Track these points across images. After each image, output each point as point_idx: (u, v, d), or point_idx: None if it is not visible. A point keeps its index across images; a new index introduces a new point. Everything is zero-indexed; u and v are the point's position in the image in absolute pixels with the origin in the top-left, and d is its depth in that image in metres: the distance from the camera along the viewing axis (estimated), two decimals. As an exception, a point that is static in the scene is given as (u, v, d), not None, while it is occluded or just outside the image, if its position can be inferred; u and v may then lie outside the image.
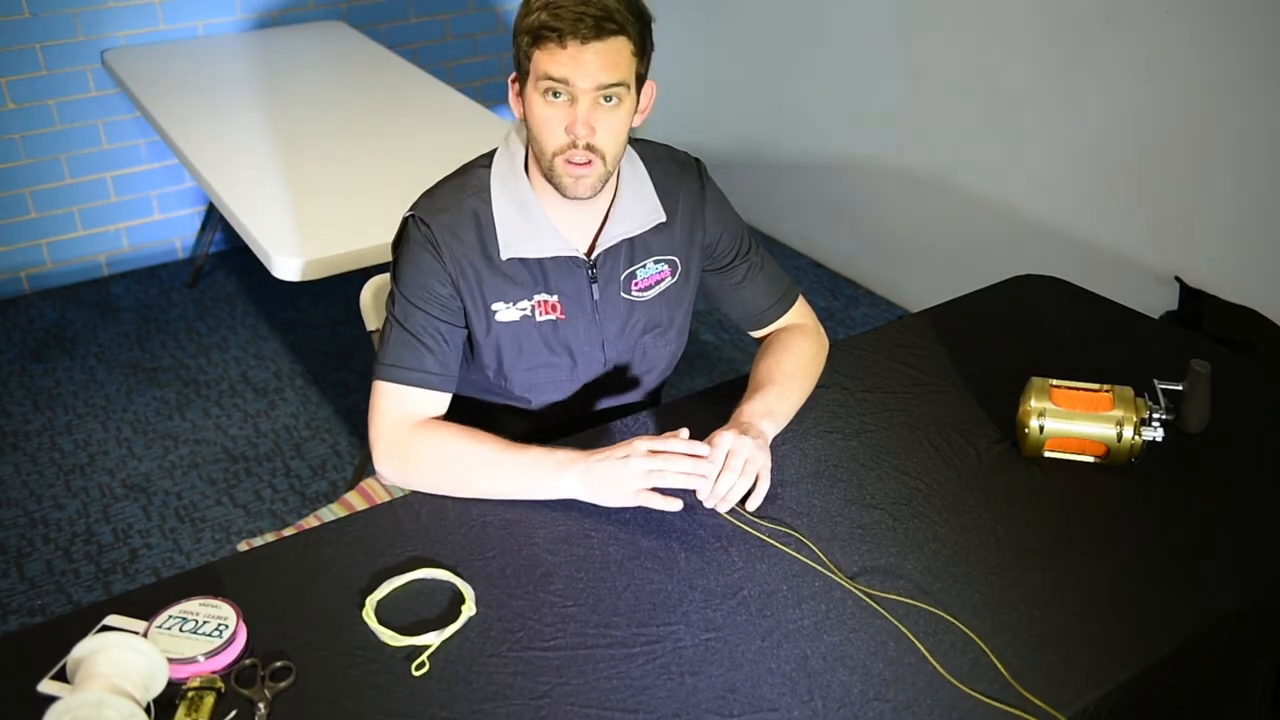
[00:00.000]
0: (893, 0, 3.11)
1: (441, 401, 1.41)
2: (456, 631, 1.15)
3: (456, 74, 3.98)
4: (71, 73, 3.31)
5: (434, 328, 1.39)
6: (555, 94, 1.27)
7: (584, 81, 1.25)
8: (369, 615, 1.16)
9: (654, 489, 1.29)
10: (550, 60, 1.25)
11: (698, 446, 1.29)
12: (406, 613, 1.18)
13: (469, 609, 1.18)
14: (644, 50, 1.30)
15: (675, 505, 1.29)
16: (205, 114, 2.84)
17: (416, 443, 1.36)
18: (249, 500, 2.57)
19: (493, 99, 4.05)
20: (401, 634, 1.14)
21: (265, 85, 3.09)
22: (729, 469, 1.30)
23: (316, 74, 3.21)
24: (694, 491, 1.33)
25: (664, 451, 1.28)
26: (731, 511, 1.33)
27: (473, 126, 2.78)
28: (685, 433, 1.31)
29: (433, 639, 1.14)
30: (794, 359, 1.52)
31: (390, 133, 2.76)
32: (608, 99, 1.27)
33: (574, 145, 1.28)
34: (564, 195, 1.33)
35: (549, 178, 1.33)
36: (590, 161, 1.30)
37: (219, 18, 3.51)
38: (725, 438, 1.32)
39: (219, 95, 3.00)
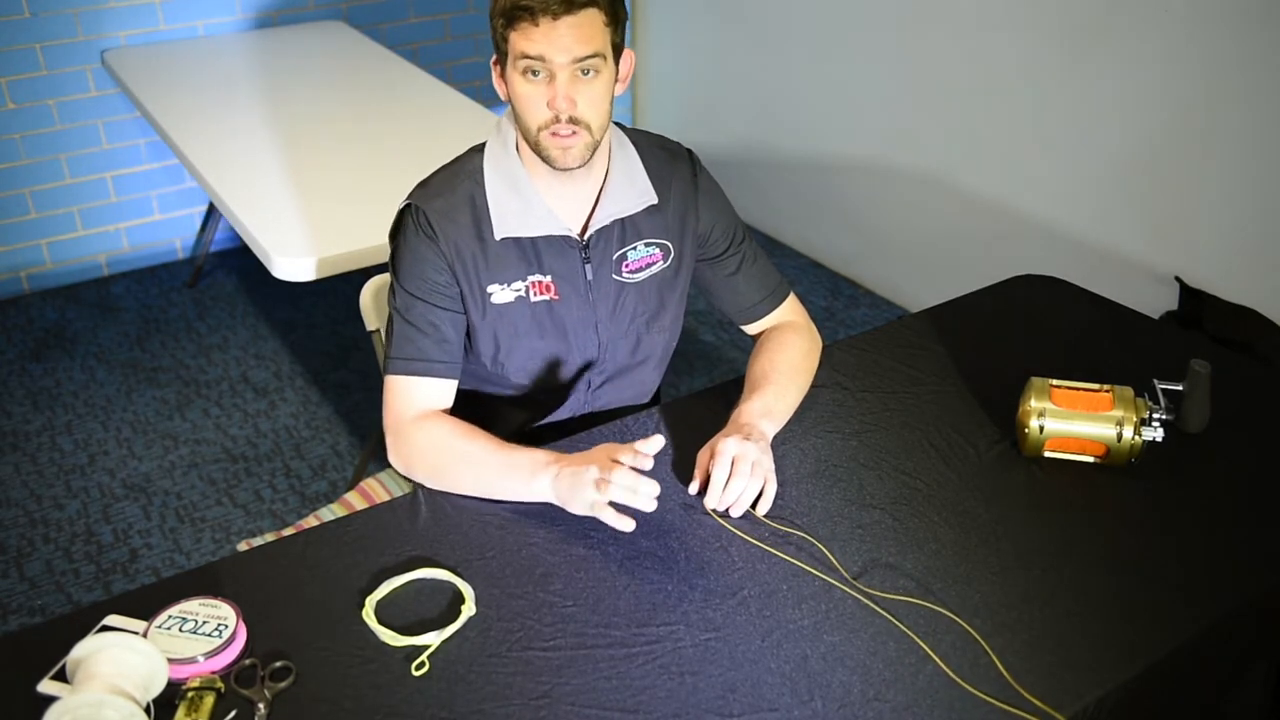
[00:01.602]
0: (893, 0, 3.11)
1: (447, 388, 1.42)
2: (456, 631, 1.15)
3: (456, 74, 3.98)
4: (71, 73, 3.31)
5: (433, 315, 1.40)
6: (534, 71, 1.28)
7: (559, 56, 1.26)
8: (369, 615, 1.16)
9: (612, 504, 1.24)
10: (525, 39, 1.26)
11: (644, 461, 1.23)
12: (406, 613, 1.18)
13: (469, 609, 1.18)
14: (617, 20, 1.31)
15: (628, 525, 1.24)
16: (205, 114, 2.84)
17: (416, 437, 1.37)
18: (249, 500, 2.57)
19: (493, 99, 4.05)
20: (402, 634, 1.14)
21: (265, 85, 3.09)
22: (738, 473, 1.31)
23: (316, 74, 3.21)
24: (700, 498, 1.33)
25: (618, 463, 1.24)
26: (745, 515, 1.33)
27: (473, 126, 2.78)
28: (657, 441, 1.24)
29: (432, 639, 1.14)
30: (788, 357, 1.52)
31: (390, 133, 2.76)
32: (585, 71, 1.29)
33: (557, 119, 1.30)
34: (554, 167, 1.34)
35: (537, 152, 1.34)
36: (574, 133, 1.31)
37: (219, 18, 3.51)
38: (729, 444, 1.33)
39: (219, 95, 3.00)
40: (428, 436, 1.37)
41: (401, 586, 1.21)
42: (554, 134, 1.31)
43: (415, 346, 1.39)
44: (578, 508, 1.28)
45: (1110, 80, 2.58)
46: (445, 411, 1.42)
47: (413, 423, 1.38)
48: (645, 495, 1.21)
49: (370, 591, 1.20)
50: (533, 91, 1.30)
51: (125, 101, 3.38)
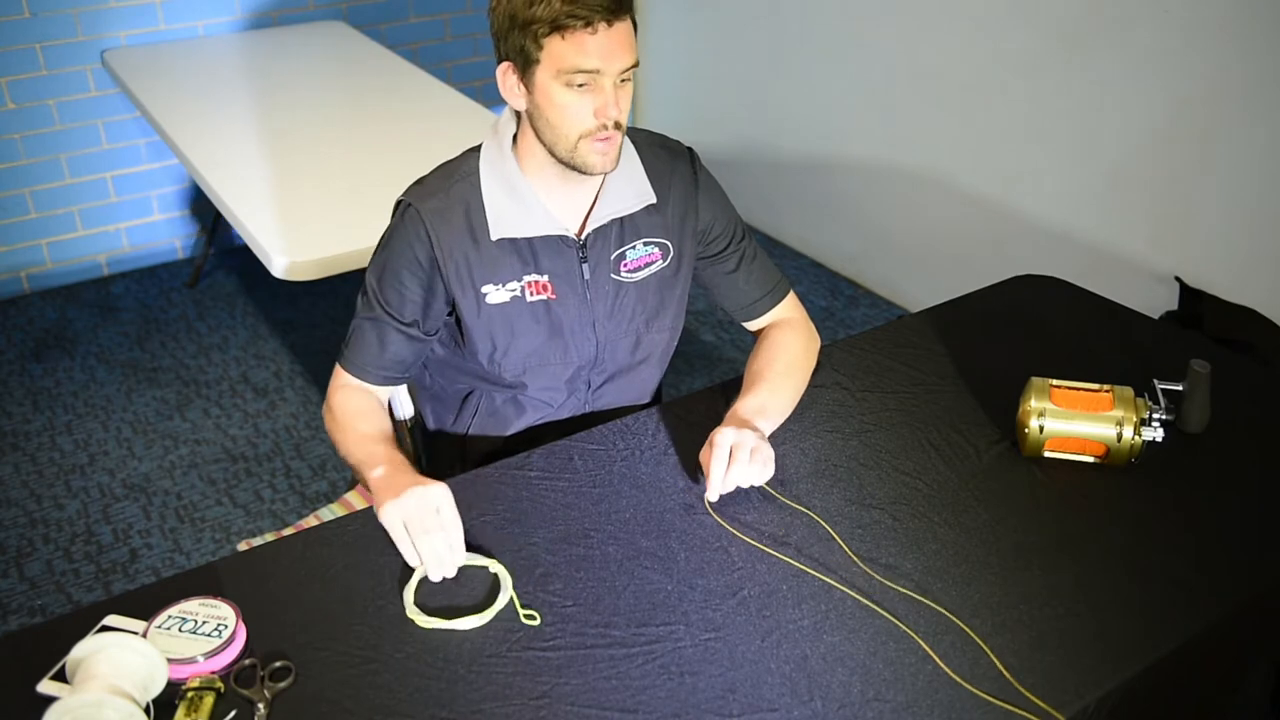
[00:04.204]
0: (892, 0, 3.11)
1: (384, 391, 1.49)
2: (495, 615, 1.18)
3: (456, 74, 3.98)
4: (71, 73, 3.31)
5: (390, 334, 1.43)
6: (580, 83, 1.28)
7: (613, 66, 1.27)
8: (409, 605, 1.18)
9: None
10: (578, 50, 1.25)
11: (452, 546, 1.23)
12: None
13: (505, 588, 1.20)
14: (636, 24, 1.33)
15: (435, 575, 1.22)
16: (205, 114, 2.84)
17: (334, 399, 1.45)
18: (249, 500, 2.57)
19: (493, 99, 4.05)
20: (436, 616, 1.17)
21: (265, 85, 3.09)
22: (737, 460, 1.30)
23: (316, 74, 3.21)
24: (704, 489, 1.33)
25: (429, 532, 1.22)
26: (751, 490, 1.32)
27: (473, 126, 2.77)
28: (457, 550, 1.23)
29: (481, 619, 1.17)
30: (785, 356, 1.52)
31: (390, 132, 2.76)
32: (624, 80, 1.30)
33: (604, 127, 1.30)
34: (589, 173, 1.35)
35: (570, 161, 1.34)
36: (613, 137, 1.32)
37: (219, 18, 3.51)
38: (726, 434, 1.32)
39: (219, 95, 3.00)
40: (339, 402, 1.44)
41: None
42: (597, 140, 1.31)
43: (367, 354, 1.45)
44: (390, 524, 1.23)
45: (1110, 80, 2.58)
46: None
47: (337, 393, 1.45)
48: (444, 570, 1.22)
49: (405, 582, 1.21)
50: (578, 101, 1.29)
51: (125, 101, 3.38)
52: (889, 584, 1.22)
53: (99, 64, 3.34)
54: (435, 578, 1.22)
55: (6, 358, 3.15)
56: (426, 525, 1.21)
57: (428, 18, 3.88)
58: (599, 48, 1.25)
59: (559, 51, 1.26)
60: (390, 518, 1.22)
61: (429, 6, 3.86)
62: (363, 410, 1.43)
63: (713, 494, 1.32)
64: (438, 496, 1.23)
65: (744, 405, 1.43)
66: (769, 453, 1.34)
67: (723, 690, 1.09)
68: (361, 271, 2.10)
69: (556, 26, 1.24)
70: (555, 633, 1.15)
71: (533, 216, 1.40)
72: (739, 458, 1.31)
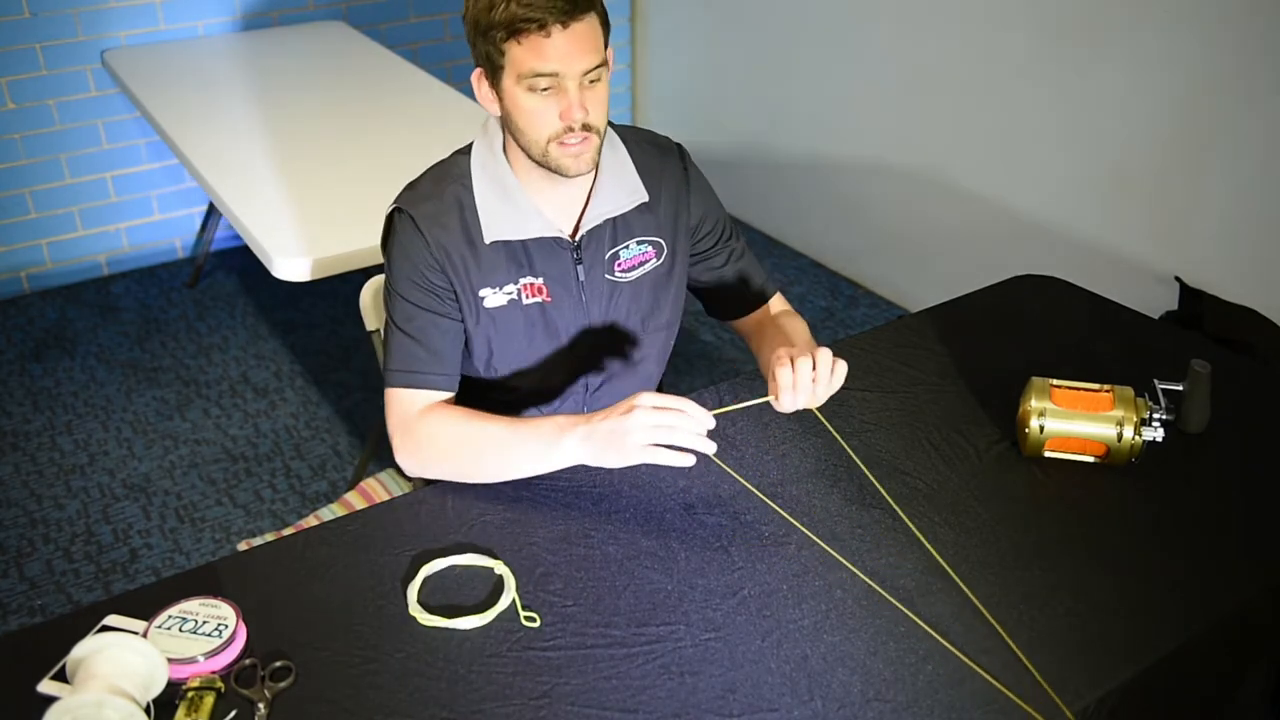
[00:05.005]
0: (892, 0, 3.11)
1: (447, 399, 1.42)
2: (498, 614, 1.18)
3: (456, 74, 3.98)
4: (71, 73, 3.32)
5: (431, 327, 1.39)
6: (543, 86, 1.27)
7: (572, 68, 1.25)
8: (413, 602, 1.18)
9: (662, 446, 1.23)
10: (535, 54, 1.24)
11: (702, 410, 1.24)
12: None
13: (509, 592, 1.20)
14: (607, 22, 1.31)
15: (688, 460, 1.23)
16: (205, 114, 2.84)
17: (424, 429, 1.36)
18: (249, 500, 2.57)
19: (493, 99, 4.05)
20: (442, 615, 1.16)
21: (265, 85, 3.09)
22: (800, 370, 1.24)
23: (316, 74, 3.21)
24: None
25: (669, 409, 1.23)
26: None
27: (473, 126, 2.76)
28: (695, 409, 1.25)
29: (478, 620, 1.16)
30: (798, 329, 1.55)
31: (390, 133, 2.76)
32: (592, 81, 1.29)
33: (570, 130, 1.29)
34: (565, 175, 1.33)
35: (545, 163, 1.33)
36: (585, 139, 1.31)
37: (219, 18, 3.51)
38: (780, 351, 1.27)
39: (219, 95, 3.00)
40: (437, 426, 1.36)
41: (438, 573, 1.23)
42: (564, 144, 1.30)
43: (415, 359, 1.38)
44: (621, 458, 1.24)
45: (1110, 80, 2.58)
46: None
47: (418, 418, 1.37)
48: (703, 436, 1.21)
49: (409, 580, 1.21)
50: (542, 105, 1.28)
51: (125, 101, 3.38)
52: (922, 559, 1.22)
53: (99, 64, 3.34)
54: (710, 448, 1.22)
55: (6, 358, 3.15)
56: (658, 421, 1.21)
57: (428, 18, 3.88)
58: (556, 50, 1.24)
59: (518, 56, 1.25)
60: (635, 450, 1.22)
61: (429, 6, 3.86)
62: (463, 412, 1.36)
63: (785, 405, 1.26)
64: (629, 401, 1.23)
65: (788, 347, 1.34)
66: (826, 353, 1.26)
67: (723, 690, 1.09)
68: (361, 272, 2.12)
69: (512, 31, 1.24)
70: (555, 633, 1.15)
71: (526, 218, 1.39)
72: (800, 368, 1.23)
